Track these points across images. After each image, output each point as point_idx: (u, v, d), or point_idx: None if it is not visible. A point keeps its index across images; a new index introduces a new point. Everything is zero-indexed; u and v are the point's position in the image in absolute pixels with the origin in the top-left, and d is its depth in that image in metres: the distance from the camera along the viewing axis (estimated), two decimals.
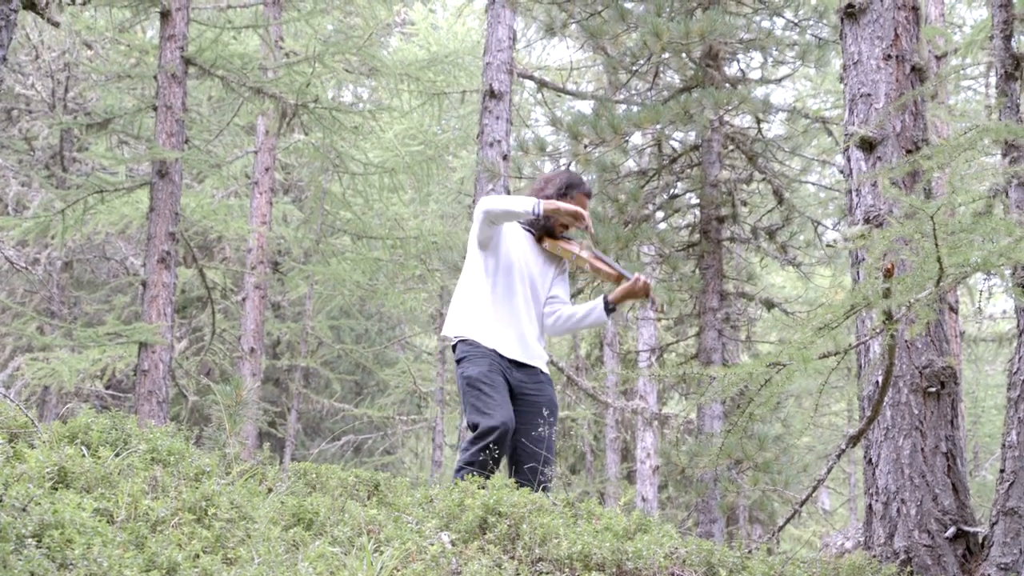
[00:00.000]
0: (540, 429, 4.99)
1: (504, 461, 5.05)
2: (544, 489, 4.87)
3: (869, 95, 5.24)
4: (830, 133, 10.66)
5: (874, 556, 4.79)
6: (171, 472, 3.74)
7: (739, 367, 4.27)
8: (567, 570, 3.60)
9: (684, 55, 9.93)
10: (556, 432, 5.12)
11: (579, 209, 5.03)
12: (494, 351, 5.01)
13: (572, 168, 10.01)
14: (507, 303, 5.09)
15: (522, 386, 5.03)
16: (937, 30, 9.89)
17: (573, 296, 6.38)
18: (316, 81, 11.56)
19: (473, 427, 4.90)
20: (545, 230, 5.24)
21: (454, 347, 5.14)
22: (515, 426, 4.94)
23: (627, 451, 17.83)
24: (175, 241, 9.51)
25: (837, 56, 10.36)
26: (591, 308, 5.18)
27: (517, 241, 5.21)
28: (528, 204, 4.96)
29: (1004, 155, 4.66)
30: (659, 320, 14.38)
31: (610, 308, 5.14)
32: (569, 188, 5.24)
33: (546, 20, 10.15)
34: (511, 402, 4.98)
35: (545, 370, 5.15)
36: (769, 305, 10.55)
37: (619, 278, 5.18)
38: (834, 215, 11.13)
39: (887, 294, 3.91)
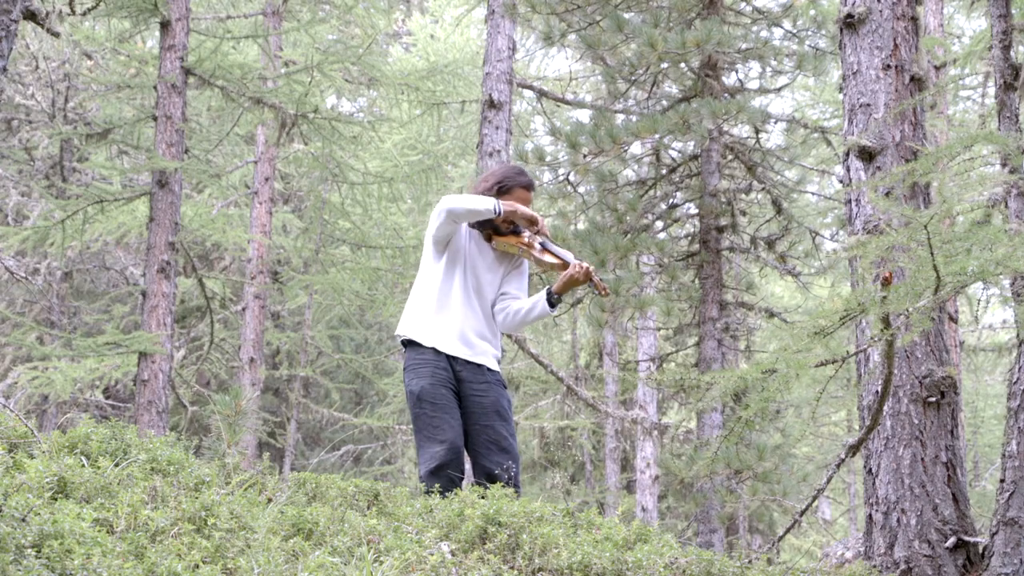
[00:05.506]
0: (492, 430, 4.98)
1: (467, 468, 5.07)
2: (510, 485, 4.87)
3: (868, 105, 5.25)
4: (829, 143, 10.67)
5: (874, 566, 4.78)
6: (171, 482, 3.74)
7: (736, 372, 4.27)
8: None
9: (683, 65, 9.94)
10: (514, 429, 5.10)
11: (536, 215, 5.04)
12: (433, 349, 5.02)
13: (571, 177, 10.03)
14: (448, 300, 5.09)
15: (468, 387, 5.02)
16: (936, 40, 9.92)
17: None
18: (315, 91, 11.57)
19: (419, 451, 4.93)
20: (493, 228, 5.19)
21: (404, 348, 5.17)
22: (469, 428, 4.97)
23: (627, 461, 17.81)
24: (175, 251, 9.51)
25: (836, 66, 10.38)
26: (536, 301, 5.13)
27: (466, 239, 5.21)
28: (489, 203, 4.97)
29: (1003, 164, 4.66)
30: (658, 331, 14.37)
31: (553, 299, 5.07)
32: (504, 182, 5.20)
33: (545, 30, 10.16)
34: (459, 406, 5.00)
35: (494, 367, 5.10)
36: (769, 315, 10.55)
37: (565, 267, 5.11)
38: (832, 225, 11.13)
39: (885, 302, 3.92)
